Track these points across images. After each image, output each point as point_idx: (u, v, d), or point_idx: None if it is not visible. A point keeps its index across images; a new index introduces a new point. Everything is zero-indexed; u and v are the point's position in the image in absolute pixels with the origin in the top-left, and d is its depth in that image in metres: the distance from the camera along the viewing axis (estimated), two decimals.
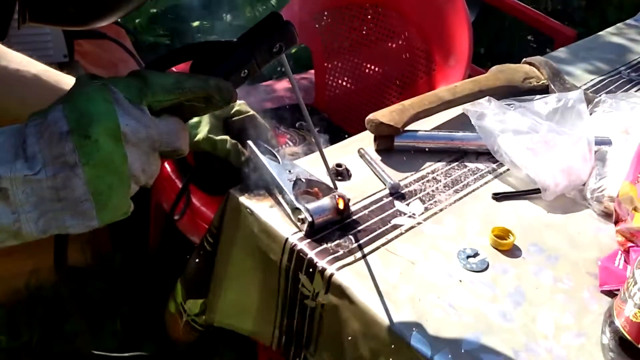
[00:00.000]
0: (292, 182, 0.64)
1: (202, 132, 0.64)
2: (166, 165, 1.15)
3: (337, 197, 0.63)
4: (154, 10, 1.62)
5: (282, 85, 1.54)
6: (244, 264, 0.67)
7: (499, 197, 0.72)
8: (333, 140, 0.93)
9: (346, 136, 0.84)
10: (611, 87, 1.04)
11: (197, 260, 0.72)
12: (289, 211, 0.64)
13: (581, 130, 0.74)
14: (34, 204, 0.34)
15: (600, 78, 1.08)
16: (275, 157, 0.67)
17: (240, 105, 0.70)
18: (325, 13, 1.33)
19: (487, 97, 0.79)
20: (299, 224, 0.62)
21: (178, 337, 0.73)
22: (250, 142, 0.67)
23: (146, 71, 0.38)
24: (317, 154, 0.78)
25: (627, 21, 1.39)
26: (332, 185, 0.64)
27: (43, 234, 0.36)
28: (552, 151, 0.71)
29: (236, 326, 0.70)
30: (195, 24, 1.74)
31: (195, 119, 0.63)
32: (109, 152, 0.35)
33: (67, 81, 0.60)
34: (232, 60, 0.42)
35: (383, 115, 0.77)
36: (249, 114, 0.69)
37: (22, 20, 0.34)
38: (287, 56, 0.46)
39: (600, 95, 0.96)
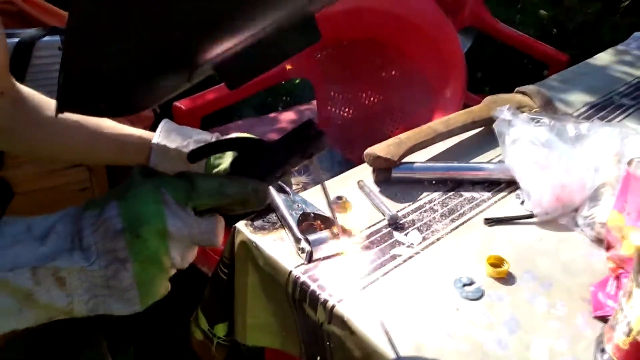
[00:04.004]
0: (298, 216, 0.68)
1: (224, 164, 0.67)
2: None
3: (340, 233, 0.66)
4: None
5: (287, 116, 1.59)
6: (259, 292, 0.70)
7: (490, 222, 0.75)
8: (335, 168, 0.96)
9: (345, 158, 0.87)
10: (603, 113, 1.08)
11: (214, 289, 0.76)
12: (293, 242, 0.67)
13: (584, 156, 0.77)
14: (86, 289, 0.39)
15: (593, 104, 1.11)
16: (286, 191, 0.71)
17: None
18: (325, 47, 1.38)
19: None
20: (299, 253, 0.66)
21: (211, 359, 0.78)
22: None
23: (193, 174, 0.42)
24: (319, 186, 0.82)
25: (619, 45, 1.44)
26: (334, 220, 0.68)
27: (91, 312, 0.40)
28: (554, 171, 0.74)
29: (267, 344, 0.73)
30: None
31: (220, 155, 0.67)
32: (156, 250, 0.39)
33: (106, 124, 0.64)
34: (270, 163, 0.46)
35: (380, 148, 0.81)
36: None
37: (59, 111, 0.38)
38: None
39: (593, 121, 1.00)
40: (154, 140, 0.65)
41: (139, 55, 0.36)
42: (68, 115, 0.61)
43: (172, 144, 0.65)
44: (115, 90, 0.39)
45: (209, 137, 0.68)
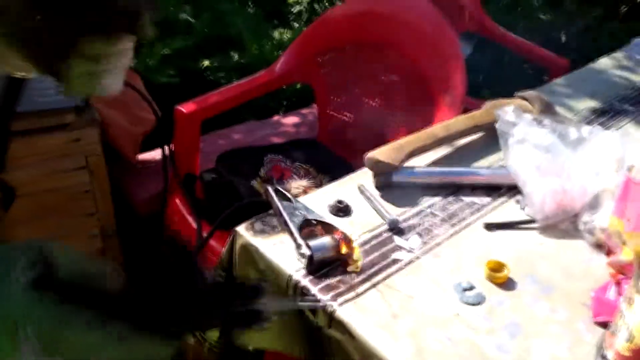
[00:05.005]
0: (300, 223, 0.68)
1: None
2: (177, 200, 1.20)
3: (340, 239, 0.66)
4: (165, 52, 1.70)
5: (289, 120, 1.59)
6: None
7: (490, 227, 0.75)
8: (336, 172, 0.96)
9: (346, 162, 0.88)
10: (604, 119, 1.08)
11: None
12: (294, 248, 0.67)
13: (585, 162, 0.77)
14: None
15: (593, 110, 1.12)
16: (289, 198, 0.72)
17: None
18: (327, 51, 1.39)
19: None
20: (299, 257, 0.66)
21: None
22: (269, 187, 0.73)
23: (71, 320, 0.40)
24: (320, 191, 0.83)
25: (620, 51, 1.44)
26: (336, 227, 0.68)
27: None
28: (555, 176, 0.74)
29: (270, 347, 0.73)
30: (205, 63, 1.82)
31: None
32: None
33: None
34: (193, 315, 0.40)
35: (381, 153, 0.81)
36: None
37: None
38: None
39: (594, 127, 1.00)
40: None
41: None
42: None
43: None
44: None
45: None
